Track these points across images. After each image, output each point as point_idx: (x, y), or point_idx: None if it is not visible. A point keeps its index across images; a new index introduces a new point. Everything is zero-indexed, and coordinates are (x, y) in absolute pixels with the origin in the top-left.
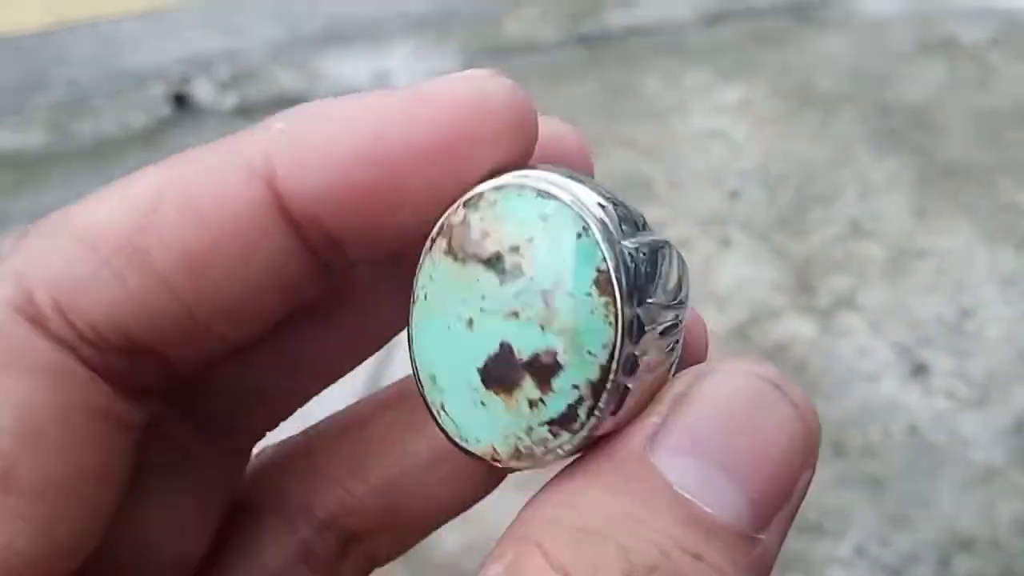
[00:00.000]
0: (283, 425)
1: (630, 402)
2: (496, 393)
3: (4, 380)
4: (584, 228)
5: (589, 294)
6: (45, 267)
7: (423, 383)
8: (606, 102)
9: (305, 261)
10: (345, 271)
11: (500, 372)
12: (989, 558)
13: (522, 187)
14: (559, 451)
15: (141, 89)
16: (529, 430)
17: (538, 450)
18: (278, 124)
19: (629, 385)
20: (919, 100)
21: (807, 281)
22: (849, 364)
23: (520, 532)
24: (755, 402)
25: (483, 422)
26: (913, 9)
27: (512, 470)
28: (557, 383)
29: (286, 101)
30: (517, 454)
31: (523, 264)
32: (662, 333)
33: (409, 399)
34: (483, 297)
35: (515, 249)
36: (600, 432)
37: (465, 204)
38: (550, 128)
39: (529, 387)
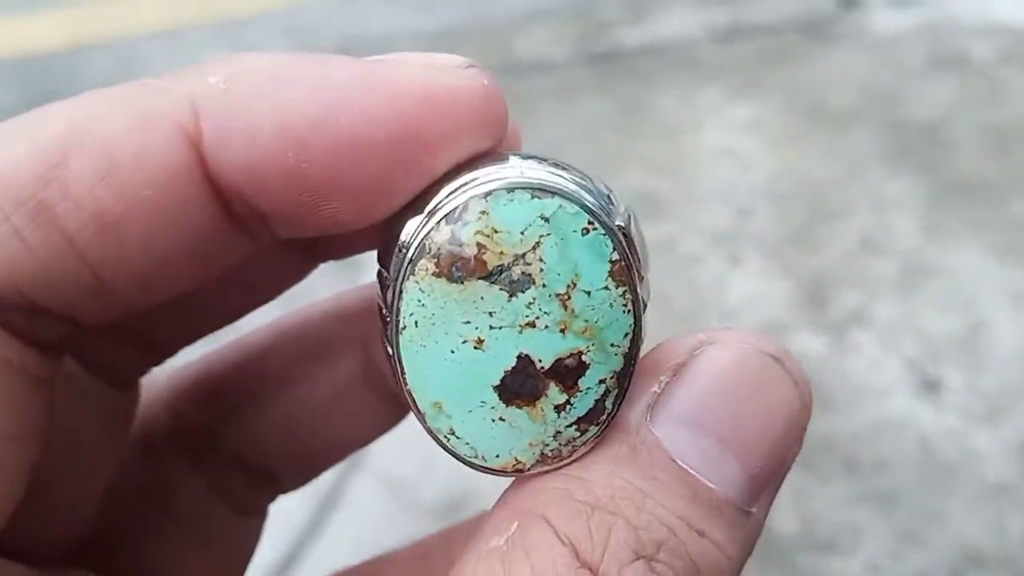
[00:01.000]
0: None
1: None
2: (518, 407)
3: None
4: (589, 222)
5: (606, 287)
6: None
7: (424, 413)
8: (619, 120)
9: (228, 232)
10: (267, 241)
11: (520, 385)
12: (1001, 573)
13: (512, 189)
14: (585, 446)
15: None
16: (556, 434)
17: (565, 450)
18: (214, 78)
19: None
20: (930, 117)
21: (818, 297)
22: (860, 380)
23: (523, 504)
24: (758, 378)
25: (503, 438)
26: (924, 26)
27: (536, 475)
28: (584, 382)
29: None
30: (543, 459)
31: (532, 272)
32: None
33: (310, 328)
34: (491, 314)
35: (520, 258)
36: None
37: (446, 219)
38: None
39: (554, 393)
